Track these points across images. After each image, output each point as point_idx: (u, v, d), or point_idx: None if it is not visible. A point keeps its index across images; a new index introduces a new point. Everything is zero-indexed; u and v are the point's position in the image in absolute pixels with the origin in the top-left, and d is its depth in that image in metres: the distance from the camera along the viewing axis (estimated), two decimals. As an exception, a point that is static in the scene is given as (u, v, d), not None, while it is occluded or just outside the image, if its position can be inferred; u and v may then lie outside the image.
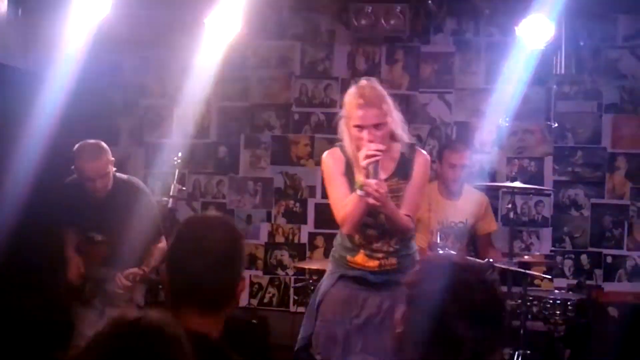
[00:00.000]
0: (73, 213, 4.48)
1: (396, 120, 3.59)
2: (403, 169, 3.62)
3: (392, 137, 3.59)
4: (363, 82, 3.63)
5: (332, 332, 3.61)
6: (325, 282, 3.75)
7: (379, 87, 3.62)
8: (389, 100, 3.58)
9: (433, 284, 1.82)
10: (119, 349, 1.58)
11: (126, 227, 4.30)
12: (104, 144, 4.39)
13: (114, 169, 4.47)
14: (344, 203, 3.56)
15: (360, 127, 3.50)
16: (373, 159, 3.37)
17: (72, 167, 4.38)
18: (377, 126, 3.48)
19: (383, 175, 3.49)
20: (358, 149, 3.50)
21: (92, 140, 4.37)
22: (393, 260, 3.62)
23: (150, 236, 4.46)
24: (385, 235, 3.61)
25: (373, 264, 3.63)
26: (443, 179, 5.33)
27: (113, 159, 4.44)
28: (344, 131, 3.63)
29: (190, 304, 2.15)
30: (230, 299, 2.20)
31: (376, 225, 3.60)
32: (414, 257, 3.73)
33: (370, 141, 3.44)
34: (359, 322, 3.59)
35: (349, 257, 3.67)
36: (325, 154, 3.79)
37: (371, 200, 3.40)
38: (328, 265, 3.86)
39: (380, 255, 3.62)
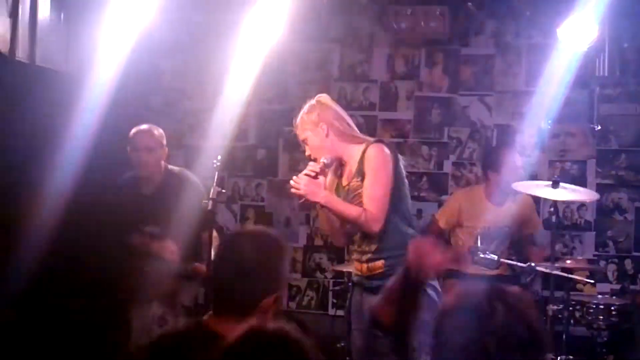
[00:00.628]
0: (127, 210, 4.62)
1: (322, 131, 3.75)
2: (360, 168, 3.68)
3: (346, 140, 3.75)
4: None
5: (356, 340, 3.75)
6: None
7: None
8: (312, 117, 3.79)
9: (466, 319, 1.74)
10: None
11: (178, 219, 4.41)
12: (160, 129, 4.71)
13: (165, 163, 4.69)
14: None
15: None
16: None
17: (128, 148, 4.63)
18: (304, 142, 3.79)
19: (345, 181, 3.73)
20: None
21: None
22: (379, 263, 3.65)
23: (200, 227, 4.51)
24: (364, 237, 3.69)
25: (363, 267, 3.71)
26: (496, 182, 5.23)
27: (166, 147, 4.71)
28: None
29: (223, 310, 2.25)
30: (255, 309, 2.21)
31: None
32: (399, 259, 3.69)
33: (308, 156, 3.77)
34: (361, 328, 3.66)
35: (354, 264, 3.81)
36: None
37: (301, 200, 3.67)
38: None
39: (364, 257, 3.69)
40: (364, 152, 3.67)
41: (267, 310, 2.22)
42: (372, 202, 3.61)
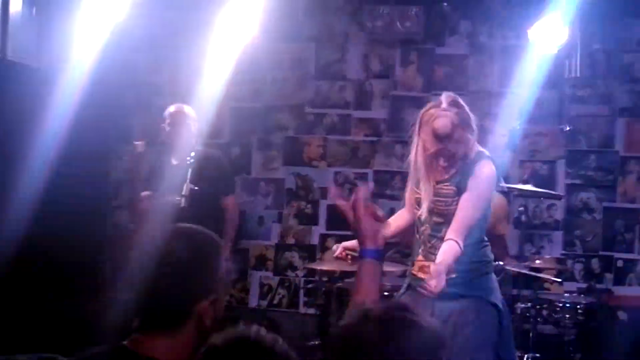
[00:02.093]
0: (155, 176, 5.00)
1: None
2: (462, 179, 3.44)
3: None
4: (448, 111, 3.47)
5: None
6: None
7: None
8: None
9: None
10: None
11: (201, 189, 4.79)
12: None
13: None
14: None
15: (429, 153, 3.45)
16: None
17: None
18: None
19: (438, 177, 3.46)
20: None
21: None
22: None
23: (221, 191, 5.21)
24: (436, 237, 3.50)
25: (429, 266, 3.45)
26: None
27: (197, 124, 5.23)
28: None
29: (152, 324, 1.97)
30: (190, 316, 1.97)
31: (427, 223, 3.51)
32: (480, 268, 3.57)
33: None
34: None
35: (414, 261, 3.60)
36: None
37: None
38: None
39: (435, 255, 3.42)
40: (474, 163, 3.46)
41: (203, 316, 1.96)
42: (464, 228, 3.40)
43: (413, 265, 3.60)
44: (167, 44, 6.32)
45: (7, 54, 4.97)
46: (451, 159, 3.43)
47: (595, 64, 6.10)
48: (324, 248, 6.38)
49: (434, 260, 3.43)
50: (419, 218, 3.55)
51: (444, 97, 3.46)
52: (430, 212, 3.50)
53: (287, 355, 1.66)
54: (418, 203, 3.56)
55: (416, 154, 3.48)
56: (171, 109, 5.28)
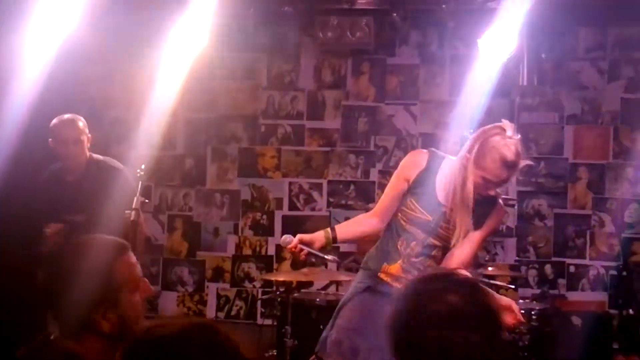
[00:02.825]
0: (51, 199, 4.62)
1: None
2: (480, 213, 3.39)
3: None
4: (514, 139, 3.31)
5: (355, 343, 3.44)
6: (350, 290, 3.60)
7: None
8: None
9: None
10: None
11: (104, 206, 4.38)
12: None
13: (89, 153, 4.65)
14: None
15: (487, 182, 3.30)
16: None
17: (50, 140, 4.58)
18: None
19: (445, 201, 3.39)
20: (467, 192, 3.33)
21: None
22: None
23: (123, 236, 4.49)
24: (427, 255, 3.46)
25: (406, 278, 3.39)
26: None
27: (89, 135, 4.65)
28: (459, 166, 3.36)
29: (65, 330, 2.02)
30: (81, 327, 1.98)
31: (420, 241, 3.45)
32: None
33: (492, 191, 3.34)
34: (379, 337, 3.43)
35: (384, 265, 3.49)
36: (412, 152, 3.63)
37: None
38: (357, 276, 3.71)
39: (415, 272, 3.41)
40: (493, 204, 3.41)
41: (101, 326, 1.97)
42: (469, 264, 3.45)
43: (380, 270, 3.51)
44: (118, 56, 6.26)
45: (-46, 67, 4.88)
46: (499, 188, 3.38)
47: (544, 73, 6.21)
48: (280, 259, 6.38)
49: (412, 275, 3.44)
50: (407, 231, 3.47)
51: (508, 125, 3.34)
52: (431, 233, 3.45)
53: (230, 343, 1.65)
54: (409, 219, 3.47)
55: (465, 178, 3.29)
56: (55, 122, 4.69)
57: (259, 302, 6.32)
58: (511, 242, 6.23)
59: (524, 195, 6.20)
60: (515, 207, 6.17)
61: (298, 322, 4.90)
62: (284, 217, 6.40)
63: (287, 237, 3.45)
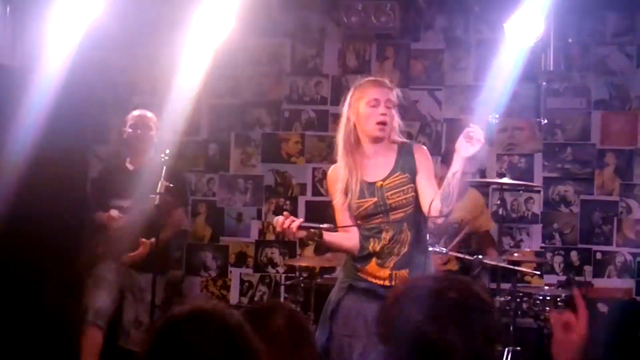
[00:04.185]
0: (106, 186, 4.99)
1: (398, 121, 3.57)
2: (405, 163, 3.50)
3: (392, 132, 3.55)
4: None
5: (355, 347, 3.45)
6: (335, 292, 3.60)
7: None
8: (399, 100, 3.59)
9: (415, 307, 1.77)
10: (180, 344, 1.62)
11: (149, 195, 4.66)
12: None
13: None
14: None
15: (376, 101, 3.47)
16: None
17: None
18: (389, 103, 3.49)
19: (375, 178, 3.48)
20: (361, 132, 3.50)
21: None
22: (404, 272, 3.46)
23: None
24: (396, 238, 3.47)
25: (384, 273, 3.47)
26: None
27: (156, 129, 5.18)
28: (344, 124, 3.55)
29: None
30: None
31: (389, 224, 3.46)
32: (428, 266, 3.58)
33: (383, 114, 3.43)
34: (371, 338, 3.33)
35: (359, 266, 3.52)
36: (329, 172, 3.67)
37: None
38: (339, 274, 3.77)
39: (391, 262, 3.46)
40: (410, 150, 3.52)
41: None
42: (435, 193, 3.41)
43: (357, 270, 3.53)
44: (142, 42, 6.28)
45: (-20, 53, 4.92)
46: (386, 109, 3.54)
47: (571, 57, 6.14)
48: (303, 244, 6.38)
49: (389, 268, 3.46)
50: (371, 229, 3.49)
51: None
52: (388, 211, 3.48)
53: (241, 326, 1.68)
54: (365, 215, 3.50)
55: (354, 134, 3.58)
56: (135, 112, 5.23)
57: (282, 288, 6.33)
58: (537, 229, 6.17)
59: (549, 181, 6.13)
60: (541, 193, 6.11)
61: (321, 307, 4.86)
62: (308, 203, 6.39)
63: (279, 219, 3.40)
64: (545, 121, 6.14)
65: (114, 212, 4.95)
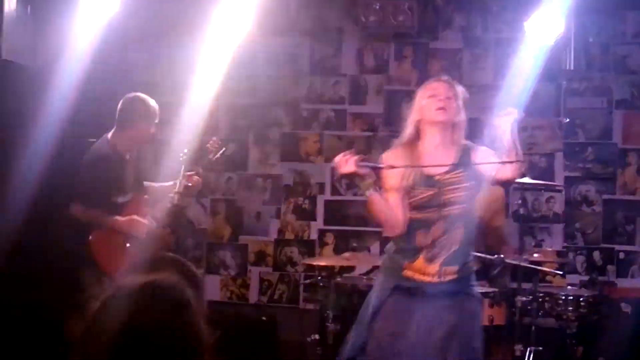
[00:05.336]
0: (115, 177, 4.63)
1: (463, 118, 3.62)
2: (465, 161, 3.53)
3: (455, 129, 3.59)
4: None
5: (397, 347, 3.42)
6: (377, 293, 3.56)
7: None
8: (463, 97, 3.67)
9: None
10: (133, 312, 1.56)
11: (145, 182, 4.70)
12: None
13: None
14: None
15: (435, 91, 3.56)
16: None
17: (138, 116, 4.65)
18: (449, 93, 3.57)
19: (442, 169, 3.49)
20: (424, 124, 3.56)
21: None
22: (453, 268, 3.46)
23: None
24: (448, 232, 3.47)
25: (432, 269, 3.45)
26: None
27: None
28: (409, 122, 3.63)
29: None
30: None
31: (440, 218, 3.46)
32: (472, 266, 3.62)
33: (442, 101, 3.51)
34: (419, 336, 3.39)
35: (405, 263, 3.49)
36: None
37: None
38: (378, 275, 3.73)
39: (441, 258, 3.45)
40: (471, 148, 3.59)
41: None
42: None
43: (403, 268, 3.51)
44: (161, 41, 6.29)
45: (1, 53, 4.93)
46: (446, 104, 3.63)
47: (591, 57, 6.10)
48: (323, 243, 6.37)
49: (438, 264, 3.44)
50: (421, 220, 3.48)
51: None
52: (443, 205, 3.48)
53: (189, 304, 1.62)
54: (417, 206, 3.48)
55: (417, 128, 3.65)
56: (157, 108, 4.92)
57: (301, 287, 6.32)
58: (558, 228, 6.13)
59: (571, 181, 6.09)
60: (563, 192, 6.08)
61: (340, 306, 4.91)
62: (326, 202, 6.39)
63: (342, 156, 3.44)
64: (566, 120, 6.11)
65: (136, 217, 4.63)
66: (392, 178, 3.51)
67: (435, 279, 3.45)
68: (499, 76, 6.10)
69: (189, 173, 4.88)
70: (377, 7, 6.03)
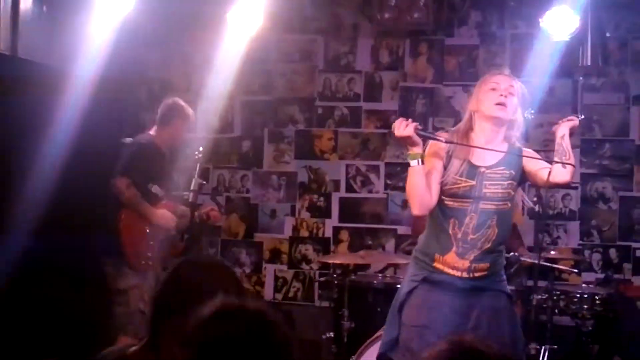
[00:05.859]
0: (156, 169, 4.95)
1: (520, 117, 3.56)
2: (512, 160, 3.48)
3: (509, 127, 3.53)
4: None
5: (426, 339, 3.35)
6: (405, 285, 3.53)
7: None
8: (522, 94, 3.58)
9: None
10: (223, 335, 1.63)
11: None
12: None
13: None
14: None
15: (496, 85, 3.49)
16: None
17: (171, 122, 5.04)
18: (511, 89, 3.49)
19: (480, 163, 3.46)
20: (480, 117, 3.51)
21: None
22: (484, 266, 3.41)
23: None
24: (486, 229, 3.41)
25: (463, 265, 3.40)
26: None
27: None
28: (465, 116, 3.58)
29: None
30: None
31: (474, 210, 3.41)
32: (503, 263, 3.58)
33: (502, 96, 3.44)
34: (445, 330, 3.31)
35: (437, 256, 3.45)
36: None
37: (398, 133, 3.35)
38: (408, 269, 3.67)
39: (472, 255, 3.41)
40: (520, 150, 3.54)
41: None
42: None
43: (434, 260, 3.46)
44: (176, 39, 6.31)
45: (17, 52, 4.96)
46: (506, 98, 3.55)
47: (608, 53, 6.04)
48: (337, 241, 6.37)
49: (469, 260, 3.41)
50: (455, 209, 3.43)
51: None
52: (480, 198, 3.43)
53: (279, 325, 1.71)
54: (453, 194, 3.43)
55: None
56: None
57: (316, 284, 6.32)
58: (574, 226, 6.09)
59: (587, 178, 6.05)
60: (579, 189, 6.03)
61: (355, 304, 4.90)
62: (341, 199, 6.38)
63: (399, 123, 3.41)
64: (583, 117, 6.05)
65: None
66: (438, 158, 3.46)
67: (465, 275, 3.42)
68: (515, 72, 5.99)
69: (210, 208, 5.24)
70: (392, 3, 6.00)
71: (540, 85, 5.79)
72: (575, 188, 6.01)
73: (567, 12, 5.32)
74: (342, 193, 6.39)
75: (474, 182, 3.42)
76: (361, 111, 6.44)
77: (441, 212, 3.45)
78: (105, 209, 4.86)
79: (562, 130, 3.53)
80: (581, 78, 6.07)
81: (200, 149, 5.10)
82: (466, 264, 3.41)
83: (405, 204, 6.14)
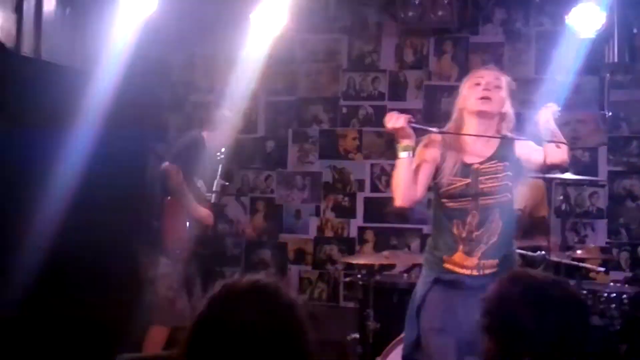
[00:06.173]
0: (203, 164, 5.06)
1: (509, 109, 3.56)
2: (505, 152, 3.48)
3: (500, 120, 3.54)
4: None
5: (443, 341, 3.40)
6: (419, 288, 3.54)
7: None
8: (509, 88, 3.60)
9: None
10: (235, 312, 1.63)
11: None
12: None
13: None
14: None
15: (479, 80, 3.51)
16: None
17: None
18: (495, 83, 3.51)
19: (471, 160, 3.46)
20: (467, 114, 3.51)
21: None
22: (493, 262, 3.41)
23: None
24: (485, 224, 3.42)
25: (471, 263, 3.42)
26: None
27: None
28: (454, 113, 3.58)
29: None
30: None
31: (475, 208, 3.42)
32: (515, 257, 3.59)
33: (486, 90, 3.45)
34: (462, 330, 3.32)
35: (445, 257, 3.46)
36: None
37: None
38: (422, 270, 3.69)
39: (479, 251, 3.41)
40: (512, 141, 3.51)
41: None
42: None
43: (442, 262, 3.47)
44: (200, 40, 6.32)
45: (41, 54, 4.98)
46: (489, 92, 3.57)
47: (635, 49, 5.95)
48: (362, 241, 6.34)
49: (477, 257, 3.40)
50: (456, 209, 3.44)
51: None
52: (478, 195, 3.43)
53: (294, 306, 1.74)
54: (451, 195, 3.44)
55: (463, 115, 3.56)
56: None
57: (341, 285, 6.30)
58: (602, 224, 6.02)
59: (614, 175, 5.99)
60: (606, 187, 5.96)
61: (380, 305, 4.87)
62: (366, 199, 6.36)
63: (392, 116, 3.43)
64: (610, 114, 6.00)
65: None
66: (431, 152, 3.49)
67: (475, 272, 3.42)
68: (540, 70, 6.02)
69: (246, 225, 5.55)
70: (416, 2, 5.98)
71: (566, 83, 5.74)
72: (603, 186, 5.95)
73: (593, 9, 5.28)
74: (367, 193, 6.37)
75: (468, 180, 3.43)
76: (386, 110, 6.38)
77: (443, 214, 3.48)
78: (131, 208, 4.93)
79: (544, 116, 3.49)
80: (608, 75, 6.01)
81: (223, 149, 5.11)
82: (474, 261, 3.42)
83: (429, 203, 6.10)
